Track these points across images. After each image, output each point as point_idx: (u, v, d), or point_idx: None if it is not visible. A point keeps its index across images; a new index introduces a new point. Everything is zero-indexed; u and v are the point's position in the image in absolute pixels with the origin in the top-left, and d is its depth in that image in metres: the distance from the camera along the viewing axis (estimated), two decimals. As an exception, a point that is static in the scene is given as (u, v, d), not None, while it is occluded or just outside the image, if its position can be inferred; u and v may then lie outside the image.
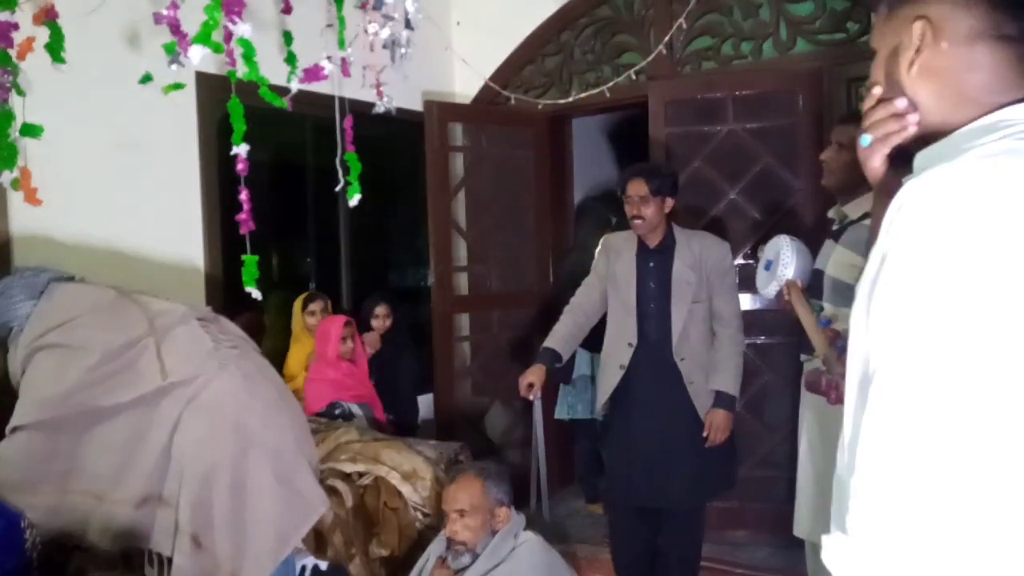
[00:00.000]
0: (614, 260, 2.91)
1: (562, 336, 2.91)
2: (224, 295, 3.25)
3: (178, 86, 2.70)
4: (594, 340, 3.01)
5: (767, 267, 2.47)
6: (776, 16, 3.55)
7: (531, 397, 2.87)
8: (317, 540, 2.49)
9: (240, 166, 2.82)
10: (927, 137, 0.90)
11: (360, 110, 3.31)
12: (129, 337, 2.07)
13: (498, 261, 4.32)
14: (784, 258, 2.38)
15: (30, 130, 2.56)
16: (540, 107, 4.13)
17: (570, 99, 4.02)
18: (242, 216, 2.86)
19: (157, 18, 2.57)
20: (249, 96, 2.84)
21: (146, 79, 2.68)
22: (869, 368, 0.77)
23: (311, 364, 3.47)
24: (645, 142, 3.76)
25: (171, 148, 3.12)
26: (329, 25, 3.34)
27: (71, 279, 2.26)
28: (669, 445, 2.78)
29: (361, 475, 2.77)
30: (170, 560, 2.01)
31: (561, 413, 4.03)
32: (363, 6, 3.09)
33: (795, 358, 2.56)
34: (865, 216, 2.21)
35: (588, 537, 3.63)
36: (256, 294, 2.85)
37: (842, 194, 2.40)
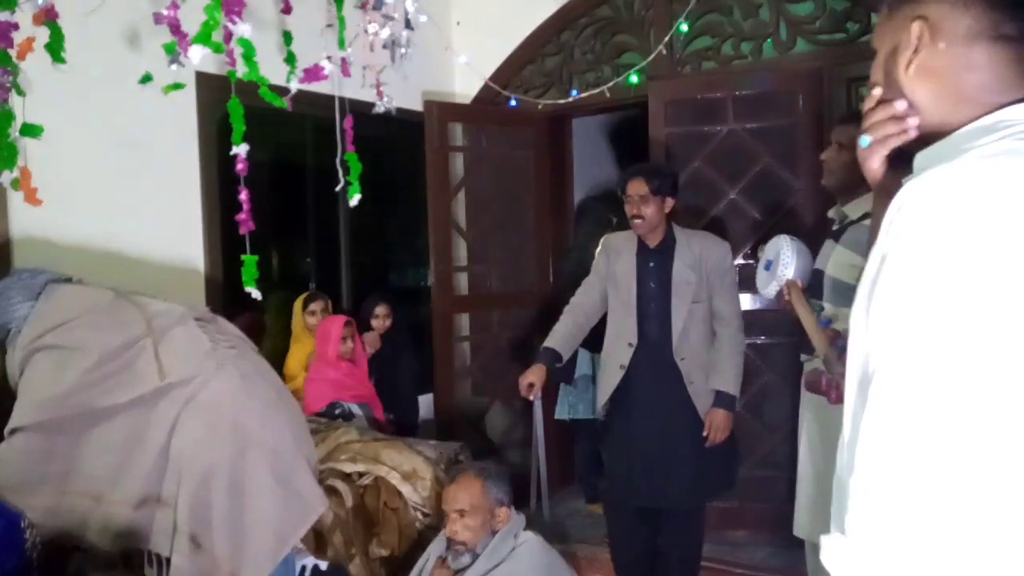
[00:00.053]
0: (614, 260, 2.91)
1: (562, 336, 2.91)
2: (224, 295, 3.25)
3: (178, 86, 2.70)
4: (595, 340, 3.01)
5: (767, 267, 2.47)
6: (776, 16, 3.55)
7: (531, 397, 2.87)
8: (317, 540, 2.49)
9: (240, 166, 2.82)
10: (926, 137, 0.90)
11: (360, 110, 3.31)
12: (127, 338, 2.07)
13: (498, 261, 4.32)
14: (784, 258, 2.38)
15: (30, 130, 2.55)
16: (540, 107, 4.13)
17: (570, 99, 4.02)
18: (242, 216, 2.86)
19: (157, 18, 2.57)
20: (249, 96, 2.84)
21: (146, 79, 2.68)
22: (869, 368, 0.77)
23: (311, 364, 3.47)
24: (645, 142, 3.76)
25: (171, 148, 3.12)
26: (329, 25, 3.34)
27: (68, 280, 2.26)
28: (669, 445, 2.78)
29: (361, 475, 2.77)
30: (169, 560, 2.01)
31: (562, 413, 4.03)
32: (363, 6, 3.09)
33: (795, 358, 2.56)
34: (865, 216, 2.21)
35: (588, 537, 3.63)
36: (256, 294, 2.84)
37: (842, 194, 2.40)
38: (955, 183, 0.75)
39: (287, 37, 3.25)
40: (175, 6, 2.57)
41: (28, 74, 2.58)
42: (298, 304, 3.64)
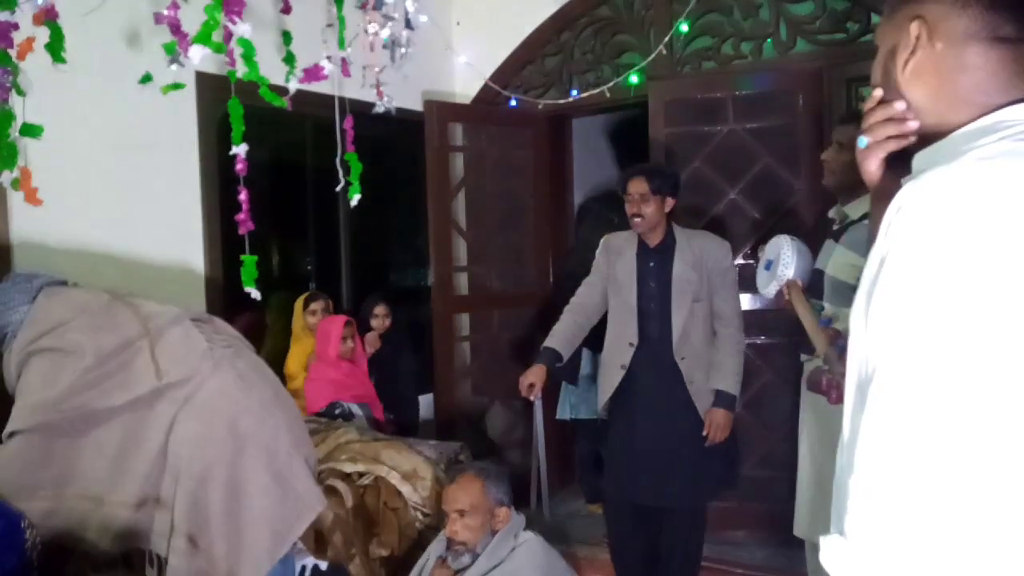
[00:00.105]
0: (615, 260, 2.91)
1: (562, 336, 2.91)
2: (224, 295, 3.25)
3: (178, 86, 2.70)
4: (598, 340, 3.01)
5: (767, 267, 2.47)
6: (776, 16, 3.55)
7: (532, 397, 2.87)
8: (317, 540, 2.49)
9: (239, 166, 2.82)
10: (925, 138, 0.90)
11: (360, 110, 3.31)
12: (123, 339, 2.07)
13: (498, 261, 4.32)
14: (784, 258, 2.38)
15: (30, 130, 2.55)
16: (540, 107, 4.13)
17: (570, 99, 4.02)
18: (241, 216, 2.86)
19: (157, 18, 2.57)
20: (249, 96, 2.84)
21: (146, 79, 2.68)
22: (868, 369, 0.77)
23: (311, 364, 3.47)
24: (645, 142, 3.76)
25: (171, 148, 3.12)
26: (329, 25, 3.34)
27: (64, 284, 2.26)
28: (670, 445, 2.78)
29: (361, 475, 2.77)
30: (167, 560, 2.01)
31: (563, 413, 4.03)
32: (363, 6, 3.09)
33: (795, 358, 2.56)
34: (866, 216, 2.21)
35: (588, 537, 3.63)
36: (255, 294, 2.84)
37: (843, 194, 2.40)
38: (954, 185, 0.75)
39: (286, 37, 3.25)
40: (175, 6, 2.57)
41: (28, 74, 2.57)
42: (299, 304, 3.64)
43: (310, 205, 4.16)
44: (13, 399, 2.05)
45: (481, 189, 4.23)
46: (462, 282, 4.21)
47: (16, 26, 2.50)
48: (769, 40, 3.58)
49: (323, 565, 2.39)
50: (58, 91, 2.70)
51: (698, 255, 2.83)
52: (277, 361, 3.46)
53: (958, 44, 0.86)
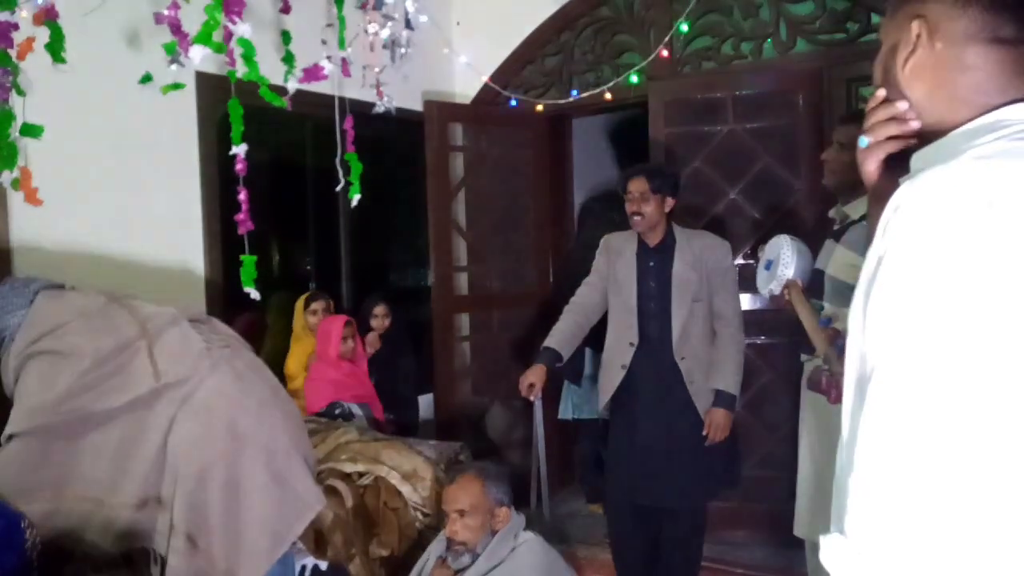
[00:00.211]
0: (615, 260, 2.91)
1: (562, 336, 2.91)
2: (224, 295, 3.25)
3: (178, 86, 2.70)
4: (601, 340, 3.01)
5: (767, 267, 2.47)
6: (776, 16, 3.55)
7: (532, 397, 2.87)
8: (317, 540, 2.49)
9: (239, 166, 2.82)
10: (924, 137, 0.90)
11: (360, 110, 3.31)
12: (120, 341, 2.07)
13: (498, 261, 4.32)
14: (784, 258, 2.38)
15: (30, 130, 2.55)
16: (540, 107, 4.13)
17: (570, 99, 4.02)
18: (240, 216, 2.86)
19: (158, 18, 2.57)
20: (249, 96, 2.84)
21: (146, 79, 2.68)
22: (866, 368, 0.77)
23: (311, 364, 3.47)
24: (645, 142, 3.76)
25: (171, 148, 3.12)
26: (329, 25, 3.34)
27: (61, 287, 2.26)
28: (670, 445, 2.78)
29: (361, 475, 2.77)
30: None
31: (566, 413, 4.03)
32: (363, 6, 3.09)
33: (795, 358, 2.56)
34: (866, 216, 2.21)
35: (588, 537, 3.63)
36: (254, 294, 2.85)
37: (843, 194, 2.40)
38: (951, 184, 0.75)
39: (286, 37, 3.25)
40: (175, 6, 2.57)
41: (28, 74, 2.58)
42: (300, 304, 3.64)
43: (310, 205, 4.15)
44: (11, 402, 2.05)
45: (481, 189, 4.23)
46: (462, 282, 4.21)
47: (16, 26, 2.50)
48: (769, 40, 3.58)
49: (323, 565, 2.38)
50: (58, 91, 2.70)
51: (698, 255, 2.83)
52: (277, 361, 3.46)
53: (958, 44, 0.86)
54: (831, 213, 2.49)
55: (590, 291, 2.97)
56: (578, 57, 4.10)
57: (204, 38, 2.54)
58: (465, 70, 4.24)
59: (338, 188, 3.24)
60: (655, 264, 2.85)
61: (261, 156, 3.50)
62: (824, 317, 2.30)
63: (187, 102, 3.12)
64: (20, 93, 2.53)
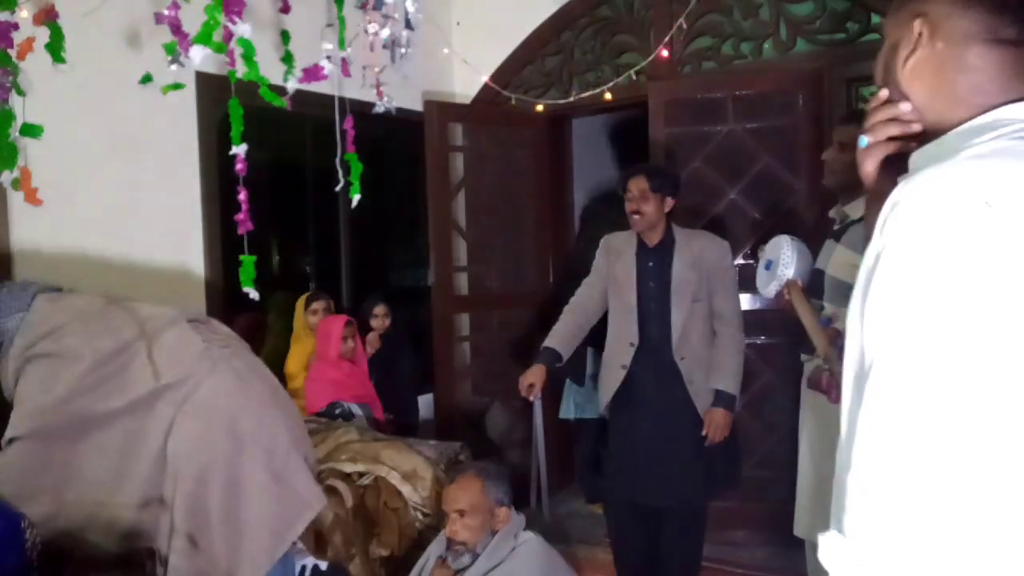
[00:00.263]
0: (614, 260, 2.91)
1: (562, 336, 2.91)
2: (224, 295, 3.25)
3: (178, 86, 2.70)
4: (603, 340, 3.01)
5: (767, 267, 2.47)
6: (776, 16, 3.55)
7: (531, 398, 2.87)
8: (317, 540, 2.49)
9: (239, 166, 2.82)
10: (923, 136, 0.91)
11: (360, 110, 3.31)
12: (119, 342, 2.07)
13: (498, 261, 4.32)
14: (784, 258, 2.38)
15: (30, 130, 2.56)
16: (540, 107, 4.13)
17: (570, 99, 4.02)
18: (240, 216, 2.86)
19: (158, 18, 2.57)
20: (249, 96, 2.84)
21: (146, 79, 2.68)
22: (864, 366, 0.77)
23: (312, 364, 3.47)
24: (645, 142, 3.76)
25: (171, 148, 3.12)
26: (329, 25, 3.34)
27: (59, 290, 2.26)
28: (670, 445, 2.78)
29: (361, 475, 2.77)
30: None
31: (567, 412, 4.03)
32: (363, 6, 3.10)
33: (795, 358, 2.55)
34: (866, 216, 2.21)
35: (588, 537, 3.62)
36: (253, 294, 2.85)
37: (843, 194, 2.40)
38: (948, 182, 0.75)
39: (285, 36, 3.25)
40: (175, 6, 2.58)
41: (28, 74, 2.58)
42: (300, 304, 3.64)
43: (310, 205, 4.16)
44: (11, 405, 2.05)
45: (481, 189, 4.23)
46: (462, 282, 4.21)
47: (16, 26, 2.50)
48: (769, 40, 3.58)
49: (323, 565, 2.39)
50: (58, 91, 2.70)
51: (697, 255, 2.83)
52: (277, 361, 3.46)
53: (959, 44, 0.86)
54: (831, 213, 2.49)
55: (590, 291, 2.97)
56: (578, 57, 4.10)
57: (204, 38, 2.54)
58: (465, 70, 4.24)
59: (338, 188, 3.24)
60: (655, 264, 2.85)
61: (261, 156, 3.51)
62: (824, 317, 2.30)
63: (187, 102, 3.12)
64: (20, 93, 2.53)
